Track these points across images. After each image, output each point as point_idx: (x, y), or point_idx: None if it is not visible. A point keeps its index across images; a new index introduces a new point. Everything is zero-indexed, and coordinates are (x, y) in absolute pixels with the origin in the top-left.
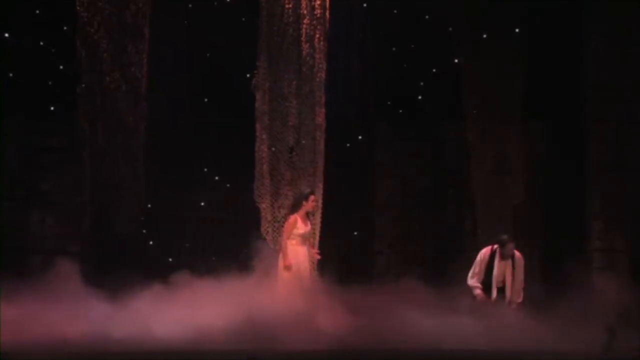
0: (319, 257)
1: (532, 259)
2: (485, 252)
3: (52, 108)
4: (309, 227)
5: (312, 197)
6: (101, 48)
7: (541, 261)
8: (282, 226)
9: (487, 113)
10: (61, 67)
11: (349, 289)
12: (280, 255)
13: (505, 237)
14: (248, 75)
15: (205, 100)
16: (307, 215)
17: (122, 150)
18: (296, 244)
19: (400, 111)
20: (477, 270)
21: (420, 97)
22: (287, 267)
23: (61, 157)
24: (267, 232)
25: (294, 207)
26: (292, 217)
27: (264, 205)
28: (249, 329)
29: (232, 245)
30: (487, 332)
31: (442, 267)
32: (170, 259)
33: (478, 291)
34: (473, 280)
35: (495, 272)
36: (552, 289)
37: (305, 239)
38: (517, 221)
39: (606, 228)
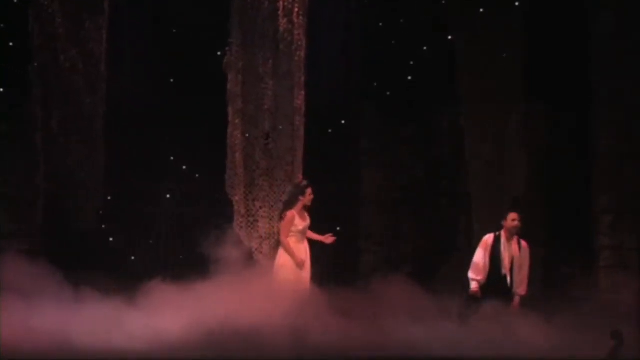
0: (334, 238)
1: (534, 257)
2: (488, 237)
3: (0, 89)
4: (307, 221)
5: (309, 190)
6: (56, 23)
7: (544, 259)
8: (257, 221)
9: (484, 96)
10: (11, 44)
11: (331, 291)
12: (279, 255)
13: (507, 208)
14: (219, 54)
15: (172, 81)
16: (305, 209)
17: (79, 136)
18: (295, 242)
19: (388, 93)
20: (479, 258)
21: (410, 78)
22: (300, 264)
23: (11, 144)
24: (241, 227)
25: (290, 203)
26: (289, 214)
27: (237, 198)
28: (220, 340)
29: (201, 243)
30: (483, 337)
31: (434, 267)
32: (132, 257)
33: (474, 285)
34: (472, 272)
35: (502, 257)
36: (555, 289)
37: (304, 234)
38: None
39: (615, 223)
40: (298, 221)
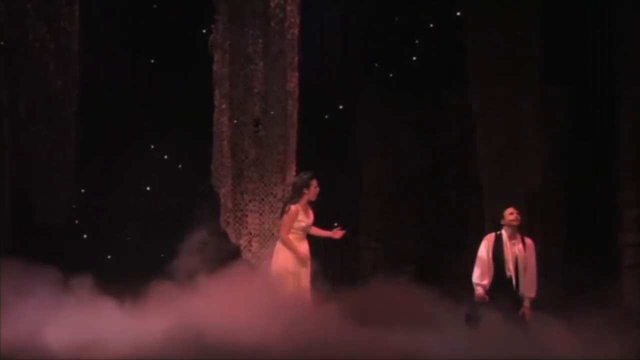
0: (342, 232)
1: (551, 256)
2: (489, 237)
3: None
4: (311, 218)
5: (314, 183)
6: None
7: (562, 258)
8: (246, 216)
9: (497, 77)
10: None
11: (328, 291)
12: (277, 252)
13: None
14: (204, 31)
15: (152, 61)
16: (309, 204)
17: (49, 122)
18: (296, 240)
19: (391, 75)
20: (482, 261)
21: (415, 58)
22: (303, 259)
23: None
24: (228, 223)
25: (294, 197)
26: (293, 208)
27: (224, 191)
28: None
29: (184, 239)
30: (492, 344)
31: (440, 266)
32: (108, 256)
33: (479, 290)
34: (476, 276)
35: (506, 258)
36: (575, 291)
37: (306, 232)
38: (533, 209)
39: None
40: (302, 217)
